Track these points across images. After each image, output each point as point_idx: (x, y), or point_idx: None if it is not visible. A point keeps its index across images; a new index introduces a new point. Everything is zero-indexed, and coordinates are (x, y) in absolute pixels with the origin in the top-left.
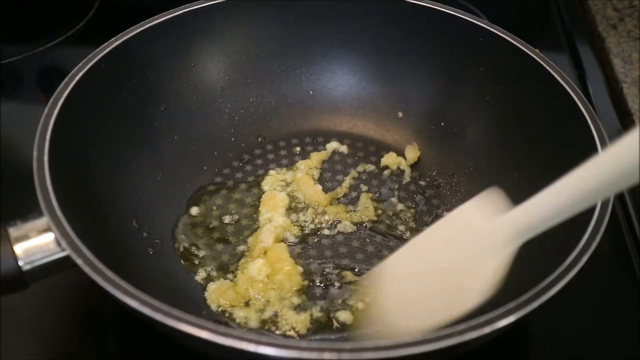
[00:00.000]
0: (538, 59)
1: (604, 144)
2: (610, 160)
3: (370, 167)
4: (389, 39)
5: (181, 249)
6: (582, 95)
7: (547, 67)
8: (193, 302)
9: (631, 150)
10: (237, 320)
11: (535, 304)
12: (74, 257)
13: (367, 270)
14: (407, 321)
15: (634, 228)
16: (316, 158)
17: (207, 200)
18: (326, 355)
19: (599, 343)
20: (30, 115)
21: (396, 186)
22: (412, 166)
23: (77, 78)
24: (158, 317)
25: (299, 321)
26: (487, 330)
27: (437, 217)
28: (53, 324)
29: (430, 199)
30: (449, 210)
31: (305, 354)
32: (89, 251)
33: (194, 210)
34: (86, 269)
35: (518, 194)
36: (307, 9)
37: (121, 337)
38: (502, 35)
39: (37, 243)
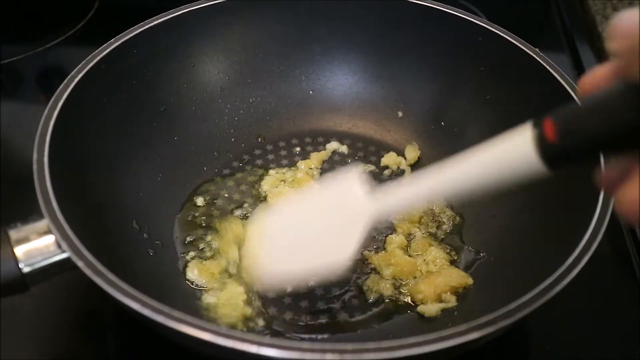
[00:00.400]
0: (538, 59)
1: None
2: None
3: (370, 167)
4: (388, 38)
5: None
6: None
7: (547, 67)
8: (193, 303)
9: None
10: None
11: (537, 304)
12: (75, 259)
13: None
14: (278, 262)
15: (634, 228)
16: (316, 158)
17: (207, 201)
18: (328, 356)
19: (599, 343)
20: (30, 115)
21: None
22: (412, 166)
23: (76, 79)
24: (159, 319)
25: None
26: (490, 330)
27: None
28: (53, 325)
29: None
30: None
31: (307, 355)
32: (90, 253)
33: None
34: (87, 272)
35: None
36: (306, 9)
37: (121, 338)
38: (501, 34)
39: (37, 245)
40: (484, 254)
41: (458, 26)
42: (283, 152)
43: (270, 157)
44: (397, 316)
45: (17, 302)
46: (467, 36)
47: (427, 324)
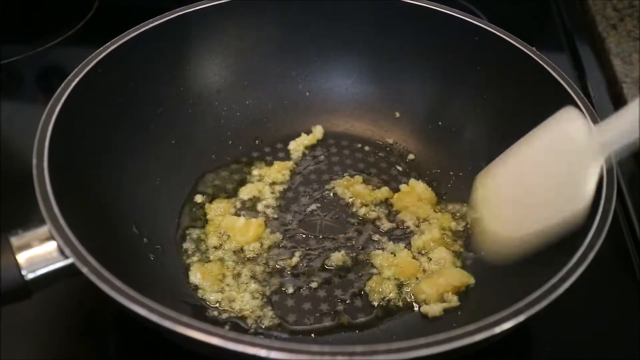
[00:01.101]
0: (535, 57)
1: None
2: None
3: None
4: (385, 39)
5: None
6: (581, 93)
7: (545, 65)
8: (194, 306)
9: None
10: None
11: (544, 303)
12: (79, 265)
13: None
14: (512, 227)
15: (634, 228)
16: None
17: (206, 202)
18: (339, 358)
19: (599, 343)
20: (30, 116)
21: None
22: (410, 165)
23: (73, 84)
24: (167, 324)
25: None
26: (498, 330)
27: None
28: (53, 326)
29: None
30: None
31: (317, 358)
32: (94, 259)
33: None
34: (92, 278)
35: None
36: (302, 10)
37: (121, 339)
38: (498, 33)
39: (39, 252)
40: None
41: (455, 26)
42: (281, 154)
43: (268, 159)
44: (401, 317)
45: (17, 303)
46: (464, 36)
47: (431, 324)
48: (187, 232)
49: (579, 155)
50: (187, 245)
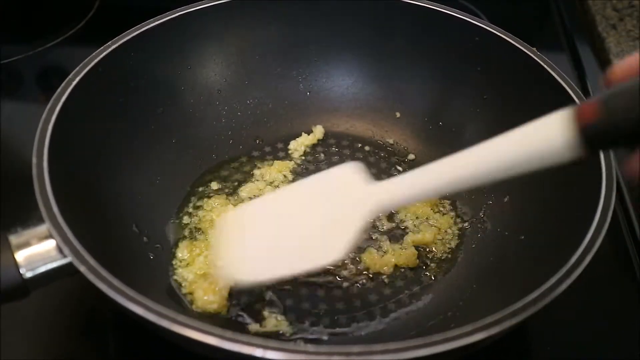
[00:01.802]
0: (536, 58)
1: None
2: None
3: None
4: (385, 38)
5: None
6: (581, 93)
7: (545, 66)
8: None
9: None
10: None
11: (542, 304)
12: (77, 264)
13: None
14: (256, 270)
15: (634, 228)
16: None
17: (205, 203)
18: (335, 358)
19: (599, 343)
20: (30, 116)
21: None
22: (411, 166)
23: (74, 83)
24: (164, 323)
25: None
26: (496, 330)
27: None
28: (53, 325)
29: None
30: None
31: (313, 358)
32: (92, 258)
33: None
34: (90, 277)
35: None
36: (303, 10)
37: (121, 338)
38: (499, 34)
39: (38, 250)
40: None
41: (455, 26)
42: (281, 154)
43: (269, 158)
44: (398, 316)
45: (17, 302)
46: (465, 36)
47: (429, 324)
48: (186, 232)
49: (347, 207)
50: (185, 243)
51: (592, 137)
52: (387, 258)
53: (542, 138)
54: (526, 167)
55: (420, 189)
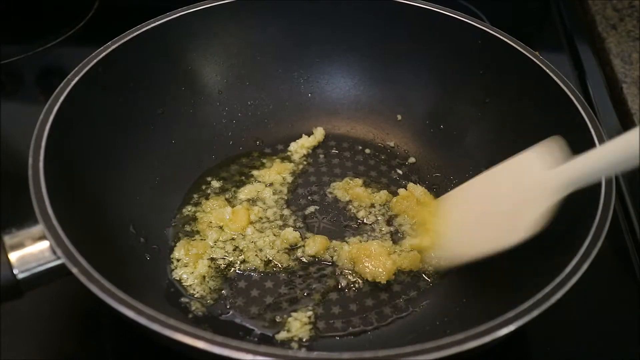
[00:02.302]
0: (538, 62)
1: None
2: None
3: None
4: (387, 41)
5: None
6: (582, 98)
7: (547, 70)
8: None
9: None
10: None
11: (535, 313)
12: (69, 265)
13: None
14: (462, 247)
15: (634, 228)
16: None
17: (205, 204)
18: None
19: (599, 343)
20: (30, 116)
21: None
22: (411, 169)
23: (73, 83)
24: (155, 327)
25: None
26: (488, 339)
27: None
28: (52, 325)
29: None
30: None
31: None
32: (85, 259)
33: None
34: (82, 278)
35: None
36: (304, 11)
37: (119, 338)
38: (501, 37)
39: (32, 251)
40: None
41: (456, 28)
42: (281, 155)
43: (268, 160)
44: (394, 321)
45: (17, 303)
46: (467, 39)
47: (424, 330)
48: (184, 232)
49: (534, 191)
50: (182, 243)
51: None
52: (389, 261)
53: None
54: None
55: (598, 166)
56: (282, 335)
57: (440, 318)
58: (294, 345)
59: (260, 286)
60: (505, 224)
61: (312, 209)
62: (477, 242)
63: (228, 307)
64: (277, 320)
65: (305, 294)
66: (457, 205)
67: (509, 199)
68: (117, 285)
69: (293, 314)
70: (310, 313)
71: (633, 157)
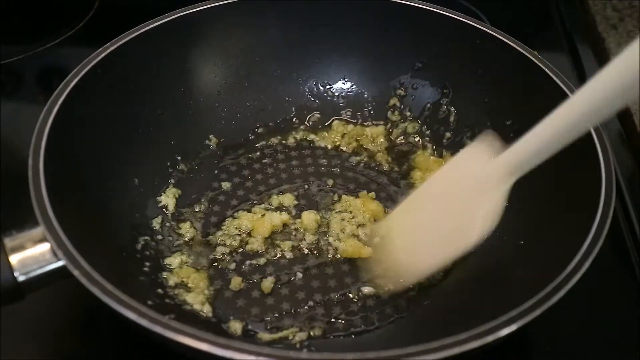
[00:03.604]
0: (538, 62)
1: (603, 146)
2: (596, 88)
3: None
4: (386, 41)
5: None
6: None
7: (547, 70)
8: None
9: (616, 78)
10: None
11: (536, 313)
12: (71, 268)
13: None
14: (415, 263)
15: (634, 228)
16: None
17: (204, 206)
18: None
19: (599, 343)
20: (30, 116)
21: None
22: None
23: (72, 84)
24: (157, 329)
25: None
26: (490, 338)
27: None
28: (53, 325)
29: None
30: None
31: None
32: (86, 262)
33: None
34: (83, 281)
35: None
36: (303, 12)
37: (119, 339)
38: (500, 37)
39: (32, 253)
40: None
41: (456, 29)
42: (280, 156)
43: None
44: (395, 321)
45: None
46: (466, 39)
47: (426, 330)
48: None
49: (478, 187)
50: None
51: None
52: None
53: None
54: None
55: (536, 146)
56: (284, 336)
57: (442, 318)
58: (296, 345)
59: (261, 287)
60: (457, 229)
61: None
62: (431, 255)
63: (229, 307)
64: (279, 320)
65: (306, 294)
66: (405, 219)
67: (455, 202)
68: (118, 286)
69: (294, 313)
70: (311, 313)
71: (566, 136)
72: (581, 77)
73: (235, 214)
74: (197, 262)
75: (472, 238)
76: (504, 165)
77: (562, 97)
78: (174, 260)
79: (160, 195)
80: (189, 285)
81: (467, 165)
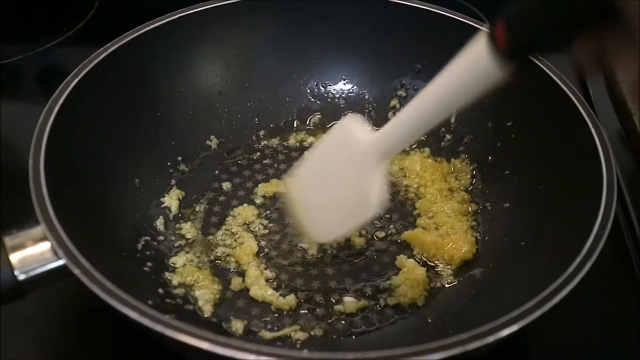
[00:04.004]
0: (537, 62)
1: (604, 146)
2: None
3: None
4: (387, 42)
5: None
6: (582, 98)
7: (547, 70)
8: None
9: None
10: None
11: (538, 313)
12: (71, 266)
13: None
14: (318, 230)
15: (634, 228)
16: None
17: (204, 206)
18: None
19: (599, 344)
20: (30, 116)
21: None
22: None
23: (72, 84)
24: (158, 328)
25: None
26: (490, 339)
27: None
28: (53, 324)
29: None
30: None
31: None
32: (87, 260)
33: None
34: (84, 279)
35: None
36: (304, 12)
37: (119, 338)
38: None
39: (33, 252)
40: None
41: (456, 29)
42: (281, 157)
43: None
44: (396, 321)
45: (17, 302)
46: (467, 39)
47: (427, 331)
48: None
49: (365, 165)
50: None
51: (509, 53)
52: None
53: (475, 65)
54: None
55: (405, 130)
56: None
57: (443, 318)
58: (297, 345)
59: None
60: (356, 205)
61: None
62: (334, 228)
63: (229, 307)
64: (279, 320)
65: (306, 294)
66: (306, 193)
67: (350, 177)
68: (119, 286)
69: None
70: (312, 314)
71: (433, 118)
72: (581, 77)
73: (235, 214)
74: (199, 261)
75: (369, 213)
76: (380, 145)
77: (562, 96)
78: (178, 260)
79: (164, 196)
80: (198, 284)
81: (351, 141)
